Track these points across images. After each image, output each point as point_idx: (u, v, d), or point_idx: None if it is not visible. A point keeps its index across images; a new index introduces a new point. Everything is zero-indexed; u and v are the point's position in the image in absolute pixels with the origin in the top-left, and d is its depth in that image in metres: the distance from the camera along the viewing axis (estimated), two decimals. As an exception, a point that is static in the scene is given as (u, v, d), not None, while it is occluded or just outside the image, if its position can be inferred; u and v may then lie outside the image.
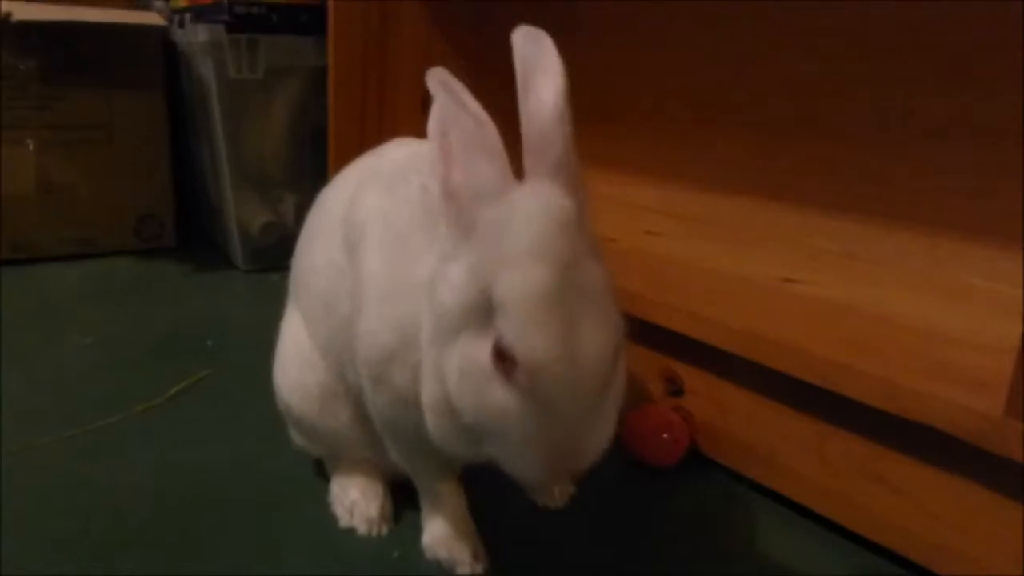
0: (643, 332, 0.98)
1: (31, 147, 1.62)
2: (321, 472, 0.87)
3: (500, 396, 0.52)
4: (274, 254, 1.67)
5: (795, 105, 1.02)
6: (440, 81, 0.57)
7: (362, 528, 0.79)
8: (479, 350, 0.53)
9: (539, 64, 0.55)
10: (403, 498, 0.81)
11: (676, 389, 0.97)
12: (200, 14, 1.60)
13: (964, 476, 0.71)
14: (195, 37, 1.58)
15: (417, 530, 0.77)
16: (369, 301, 0.65)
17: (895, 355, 0.79)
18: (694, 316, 0.91)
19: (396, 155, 0.77)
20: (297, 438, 0.85)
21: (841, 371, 0.76)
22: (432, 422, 0.60)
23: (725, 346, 0.87)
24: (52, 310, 1.42)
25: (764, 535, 0.83)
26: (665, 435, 0.93)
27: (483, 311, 0.53)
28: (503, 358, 0.51)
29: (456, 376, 0.55)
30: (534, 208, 0.53)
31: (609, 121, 1.30)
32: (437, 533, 0.75)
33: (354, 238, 0.69)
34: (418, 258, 0.62)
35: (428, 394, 0.59)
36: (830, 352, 0.79)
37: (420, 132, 0.61)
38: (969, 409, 0.67)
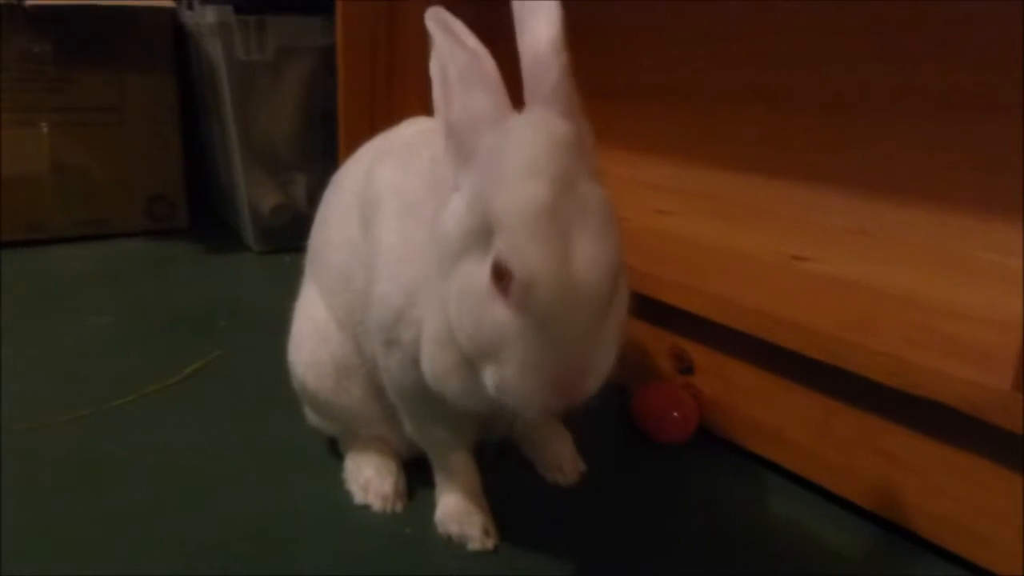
0: (653, 310, 0.98)
1: (45, 129, 1.63)
2: (334, 450, 0.88)
3: (498, 314, 0.52)
4: (285, 235, 1.68)
5: (805, 82, 1.02)
6: (437, 20, 0.58)
7: (376, 505, 0.80)
8: (478, 273, 0.54)
9: (536, 3, 0.56)
10: (417, 476, 0.83)
11: (686, 367, 0.98)
12: (209, -5, 1.60)
13: (970, 450, 0.71)
14: (204, 19, 1.59)
15: (430, 508, 0.78)
16: (382, 269, 0.66)
17: (903, 331, 0.79)
18: (704, 295, 0.91)
19: (407, 132, 0.78)
20: (311, 416, 0.87)
21: (848, 347, 0.77)
22: (433, 358, 0.60)
23: (734, 324, 0.88)
24: (67, 290, 1.43)
25: (772, 510, 0.84)
26: (675, 412, 0.94)
27: (483, 235, 0.54)
28: (500, 275, 0.52)
29: (456, 299, 0.56)
30: (528, 129, 0.54)
31: (618, 99, 1.29)
32: (450, 508, 0.76)
33: (369, 212, 0.70)
34: (428, 225, 0.63)
35: (429, 328, 0.60)
36: (838, 329, 0.79)
37: (430, 110, 0.61)
38: (976, 384, 0.68)
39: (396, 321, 0.64)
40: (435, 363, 0.61)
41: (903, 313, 0.84)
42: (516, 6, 0.57)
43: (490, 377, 0.54)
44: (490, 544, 0.74)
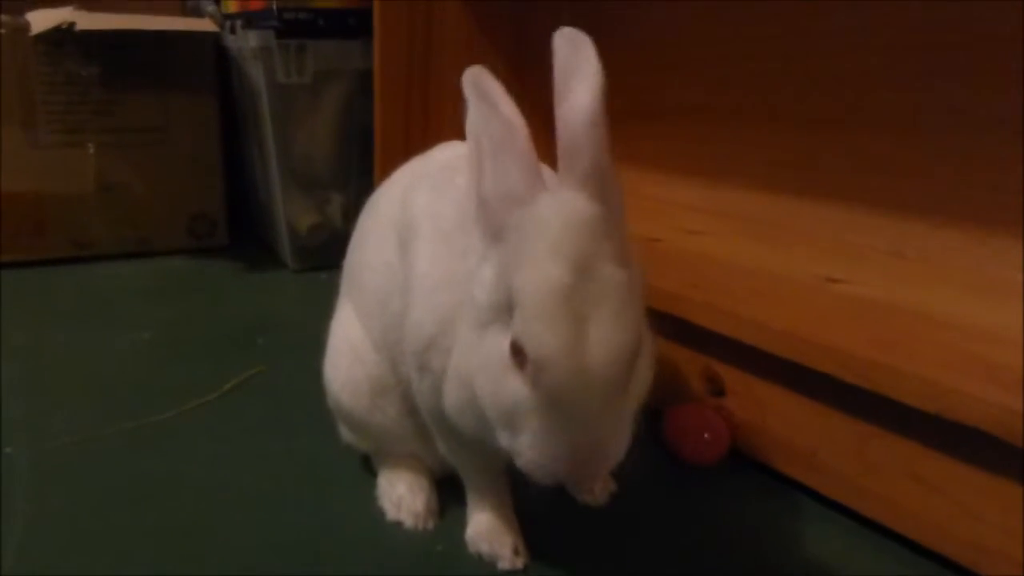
0: (685, 332, 0.98)
1: (91, 150, 1.68)
2: (368, 467, 0.90)
3: (514, 387, 0.54)
4: (322, 253, 1.71)
5: (838, 102, 1.02)
6: (473, 83, 0.59)
7: (408, 522, 0.81)
8: (501, 344, 0.55)
9: (578, 68, 0.56)
10: (449, 493, 0.84)
11: (717, 389, 0.98)
12: (251, 20, 1.64)
13: (1006, 476, 0.70)
14: (246, 43, 1.63)
15: (462, 525, 0.79)
16: (417, 296, 0.67)
17: (938, 354, 0.78)
18: (736, 316, 0.91)
19: (442, 156, 0.80)
20: (346, 434, 0.88)
21: (883, 371, 0.76)
22: (452, 392, 0.63)
23: (767, 347, 0.87)
24: (111, 307, 1.47)
25: (804, 534, 0.83)
26: (706, 434, 0.93)
27: (507, 309, 0.55)
28: (517, 352, 0.53)
29: (479, 366, 0.58)
30: (554, 213, 0.55)
31: (651, 120, 1.30)
32: (481, 527, 0.77)
33: (406, 237, 0.72)
34: (461, 254, 0.64)
35: (454, 361, 0.62)
36: (872, 352, 0.78)
37: (463, 133, 0.63)
38: (1012, 410, 0.67)
39: (428, 348, 0.65)
40: (452, 397, 0.63)
41: (939, 335, 0.83)
42: (558, 64, 0.56)
43: (505, 440, 0.57)
44: (520, 564, 0.74)
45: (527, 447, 0.55)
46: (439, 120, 1.44)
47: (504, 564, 0.74)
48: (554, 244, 0.53)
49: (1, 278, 1.57)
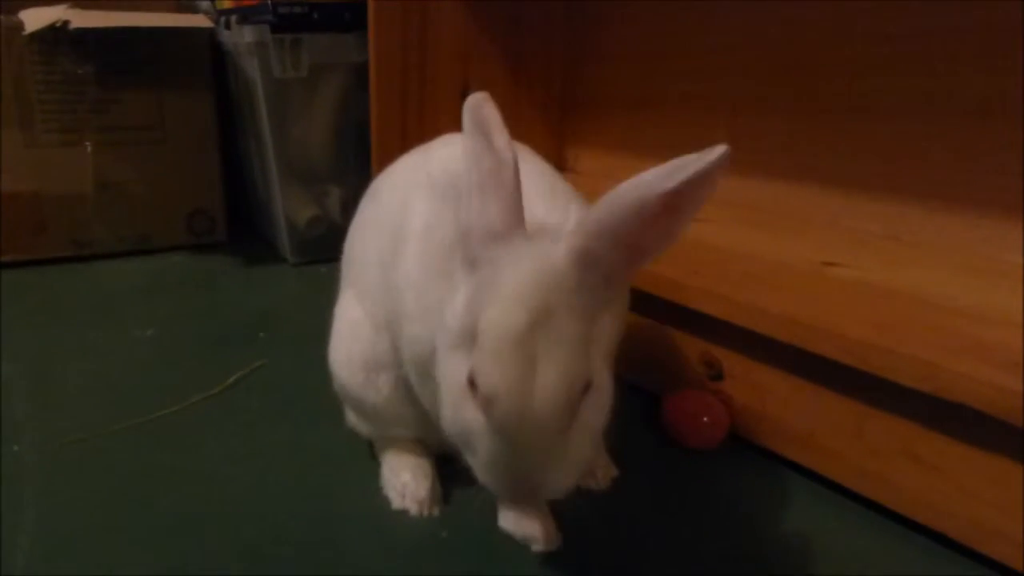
0: (683, 317, 0.99)
1: (89, 149, 1.69)
2: (372, 457, 0.91)
3: (470, 412, 0.58)
4: (321, 246, 1.71)
5: (834, 87, 1.02)
6: (472, 111, 0.61)
7: (413, 509, 0.82)
8: (462, 370, 0.58)
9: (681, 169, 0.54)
10: (453, 480, 0.84)
11: (716, 373, 0.99)
12: (245, 15, 1.64)
13: (1003, 455, 0.71)
14: (241, 38, 1.63)
15: (466, 511, 0.80)
16: (410, 307, 0.70)
17: (935, 336, 0.79)
18: (734, 301, 0.92)
19: (443, 155, 0.80)
20: (349, 416, 0.89)
21: (880, 353, 0.77)
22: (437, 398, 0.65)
23: (765, 331, 0.88)
24: (112, 305, 1.48)
25: (803, 515, 0.84)
26: (705, 418, 0.94)
27: (471, 338, 0.58)
28: (472, 381, 0.57)
29: (443, 386, 0.62)
30: (526, 259, 0.57)
31: (647, 108, 1.31)
32: (509, 517, 0.74)
33: (398, 239, 0.73)
34: (448, 274, 0.65)
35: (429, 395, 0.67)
36: (870, 334, 0.79)
37: (460, 126, 0.63)
38: (1009, 389, 0.68)
39: (426, 362, 0.68)
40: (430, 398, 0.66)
41: (935, 318, 0.84)
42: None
43: (465, 457, 0.62)
44: (554, 546, 0.71)
45: (479, 467, 0.59)
46: (434, 113, 1.44)
47: (537, 547, 0.70)
48: (518, 290, 0.55)
49: (1, 278, 1.57)
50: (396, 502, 0.83)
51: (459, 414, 0.59)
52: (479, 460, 0.59)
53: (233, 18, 1.68)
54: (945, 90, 0.90)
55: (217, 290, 1.59)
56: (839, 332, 0.81)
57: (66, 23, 1.55)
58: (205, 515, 0.82)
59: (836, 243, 1.02)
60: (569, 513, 0.82)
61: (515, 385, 0.54)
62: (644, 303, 1.02)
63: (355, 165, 1.71)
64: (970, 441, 0.74)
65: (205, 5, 1.88)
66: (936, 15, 0.90)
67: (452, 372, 0.60)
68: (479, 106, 0.61)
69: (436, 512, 0.82)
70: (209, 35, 1.76)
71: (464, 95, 0.66)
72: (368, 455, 0.91)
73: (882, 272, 0.96)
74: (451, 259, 0.65)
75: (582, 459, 0.60)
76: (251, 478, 0.88)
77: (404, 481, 0.84)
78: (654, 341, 1.06)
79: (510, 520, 0.75)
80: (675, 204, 0.55)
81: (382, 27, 1.38)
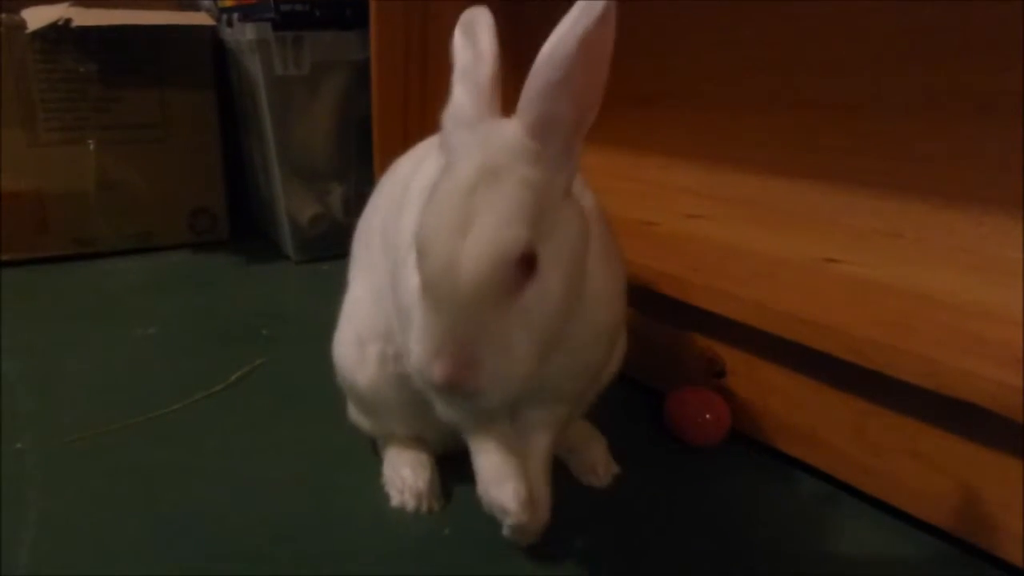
0: (685, 314, 0.99)
1: (91, 147, 1.69)
2: (374, 454, 0.91)
3: (412, 282, 0.60)
4: (323, 244, 1.71)
5: (836, 84, 1.02)
6: (465, 17, 0.63)
7: (411, 504, 0.82)
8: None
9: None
10: (456, 476, 0.85)
11: (718, 370, 0.99)
12: (247, 13, 1.64)
13: (1005, 452, 0.71)
14: (243, 36, 1.63)
15: (468, 508, 0.80)
16: (406, 255, 0.68)
17: (936, 333, 0.79)
18: (736, 298, 0.92)
19: None
20: (351, 412, 0.89)
21: (881, 350, 0.77)
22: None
23: (767, 328, 0.88)
24: (115, 303, 1.48)
25: (805, 512, 0.84)
26: (707, 415, 0.94)
27: None
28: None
29: (399, 292, 0.65)
30: (483, 133, 0.58)
31: (649, 105, 1.30)
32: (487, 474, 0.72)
33: (405, 201, 0.72)
34: None
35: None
36: (872, 331, 0.79)
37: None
38: (1010, 385, 0.67)
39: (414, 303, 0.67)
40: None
41: (936, 315, 0.84)
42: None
43: (401, 339, 0.62)
44: (530, 520, 0.68)
45: (413, 342, 0.57)
46: (436, 110, 1.44)
47: (511, 520, 0.67)
48: (470, 151, 0.56)
49: (4, 277, 1.57)
50: (395, 498, 0.83)
51: (402, 288, 0.61)
52: (412, 335, 0.57)
53: (235, 16, 1.68)
54: (947, 87, 0.90)
55: (219, 288, 1.59)
56: (841, 329, 0.81)
57: (68, 21, 1.55)
58: (206, 512, 0.82)
59: (838, 240, 1.02)
60: (570, 511, 0.83)
61: (445, 236, 0.54)
62: (646, 300, 1.02)
63: (357, 163, 1.71)
64: (972, 438, 0.74)
65: (207, 3, 1.88)
66: (938, 11, 0.89)
67: (410, 275, 0.61)
68: (474, 15, 0.63)
69: (436, 506, 0.82)
70: (211, 33, 1.76)
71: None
72: (370, 453, 0.91)
73: (884, 269, 0.95)
74: None
75: (522, 359, 0.55)
76: (253, 475, 0.88)
77: (403, 476, 0.84)
78: (656, 338, 1.06)
79: (484, 484, 0.69)
80: (591, 50, 0.55)
81: (383, 24, 1.39)
